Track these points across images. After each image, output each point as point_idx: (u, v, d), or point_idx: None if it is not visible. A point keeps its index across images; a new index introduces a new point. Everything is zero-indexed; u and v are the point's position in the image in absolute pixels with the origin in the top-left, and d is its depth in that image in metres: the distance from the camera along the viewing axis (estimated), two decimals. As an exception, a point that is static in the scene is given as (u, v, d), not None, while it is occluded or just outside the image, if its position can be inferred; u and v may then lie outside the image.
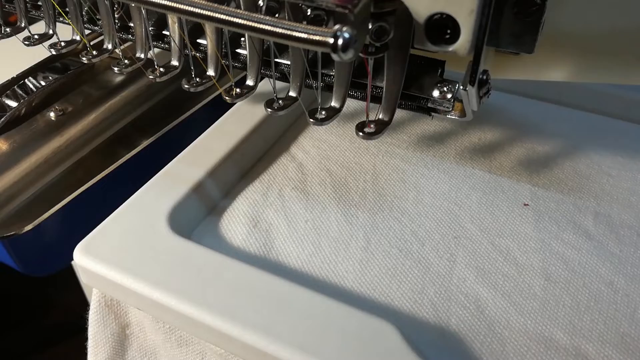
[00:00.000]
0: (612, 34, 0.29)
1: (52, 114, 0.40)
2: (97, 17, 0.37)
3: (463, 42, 0.26)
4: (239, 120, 0.37)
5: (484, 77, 0.29)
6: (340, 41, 0.22)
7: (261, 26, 0.24)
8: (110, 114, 0.44)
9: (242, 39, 0.34)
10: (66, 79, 0.43)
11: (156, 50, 0.37)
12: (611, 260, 0.30)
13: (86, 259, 0.29)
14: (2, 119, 0.39)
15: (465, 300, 0.29)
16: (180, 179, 0.33)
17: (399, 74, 0.30)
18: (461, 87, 0.28)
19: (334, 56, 0.23)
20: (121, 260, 0.29)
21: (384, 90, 0.30)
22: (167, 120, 0.45)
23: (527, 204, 0.34)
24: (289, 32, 0.23)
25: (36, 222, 0.36)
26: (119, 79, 0.46)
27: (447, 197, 0.34)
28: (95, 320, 0.32)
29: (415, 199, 0.34)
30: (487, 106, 0.40)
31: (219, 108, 0.39)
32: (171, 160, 0.35)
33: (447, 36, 0.26)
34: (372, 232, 0.32)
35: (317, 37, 0.23)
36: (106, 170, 0.41)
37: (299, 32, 0.23)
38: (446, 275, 0.30)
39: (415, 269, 0.30)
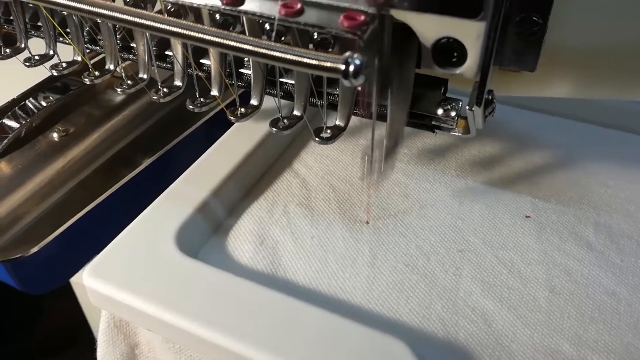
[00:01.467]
0: (612, 51, 0.29)
1: (55, 135, 0.40)
2: (99, 37, 0.37)
3: (470, 65, 0.26)
4: (241, 138, 0.38)
5: (490, 97, 0.29)
6: (351, 67, 0.23)
7: (272, 53, 0.24)
8: (111, 133, 0.44)
9: (246, 59, 0.35)
10: (67, 99, 0.44)
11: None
12: (613, 271, 0.31)
13: (95, 281, 0.29)
14: (4, 142, 0.39)
15: (472, 314, 0.29)
16: (185, 199, 0.33)
17: (403, 98, 0.30)
18: (467, 107, 0.29)
19: (345, 82, 0.23)
20: (130, 282, 0.29)
21: (389, 112, 0.30)
22: (168, 138, 0.45)
23: (529, 216, 0.34)
24: (299, 59, 0.23)
25: (41, 244, 0.36)
26: (119, 98, 0.46)
27: (450, 211, 0.35)
28: (105, 341, 0.32)
29: (419, 214, 0.35)
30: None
31: (220, 125, 0.39)
32: (173, 178, 0.35)
33: (454, 59, 0.26)
34: (377, 248, 0.32)
35: (328, 64, 0.23)
36: (109, 190, 0.41)
37: (310, 58, 0.23)
38: (453, 289, 0.30)
39: (422, 283, 0.30)
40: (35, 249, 0.36)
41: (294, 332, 0.26)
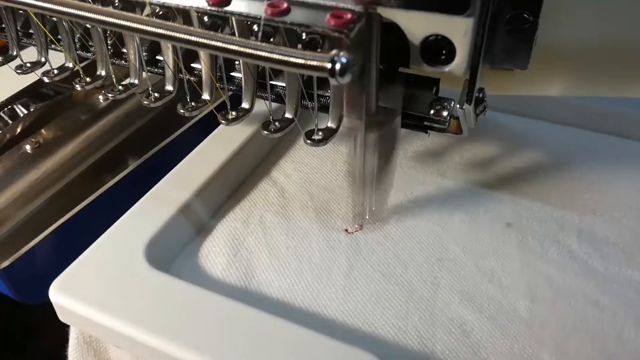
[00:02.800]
0: (605, 48, 0.29)
1: (27, 147, 0.40)
2: (90, 43, 0.37)
3: (459, 63, 0.26)
4: (217, 147, 0.37)
5: (480, 95, 0.29)
6: (337, 66, 0.22)
7: (258, 53, 0.24)
8: (90, 142, 0.43)
9: (237, 62, 0.34)
10: (44, 109, 0.43)
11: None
12: (596, 279, 0.30)
13: (62, 296, 0.29)
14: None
15: (450, 325, 0.28)
16: (157, 210, 0.32)
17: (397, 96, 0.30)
18: (457, 106, 0.28)
19: (332, 81, 0.23)
20: (98, 298, 0.28)
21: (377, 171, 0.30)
22: (149, 146, 0.45)
23: (511, 223, 0.33)
24: (285, 58, 0.23)
25: (23, 250, 0.36)
26: (100, 105, 0.46)
27: (430, 218, 0.34)
28: (75, 358, 0.31)
29: (398, 221, 0.34)
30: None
31: (205, 130, 0.39)
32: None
33: (443, 57, 0.26)
34: (354, 257, 0.32)
35: (314, 63, 0.23)
36: (90, 197, 0.41)
37: (296, 57, 0.23)
38: (430, 299, 0.29)
39: (399, 294, 0.30)
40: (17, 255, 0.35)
41: (266, 349, 0.26)
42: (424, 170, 0.37)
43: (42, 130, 0.42)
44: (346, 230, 0.33)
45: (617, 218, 0.33)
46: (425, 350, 0.27)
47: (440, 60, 0.26)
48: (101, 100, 0.42)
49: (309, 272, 0.31)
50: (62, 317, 0.30)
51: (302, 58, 0.23)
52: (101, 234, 0.31)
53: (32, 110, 0.43)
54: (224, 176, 0.36)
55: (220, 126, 0.39)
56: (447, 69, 0.26)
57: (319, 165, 0.38)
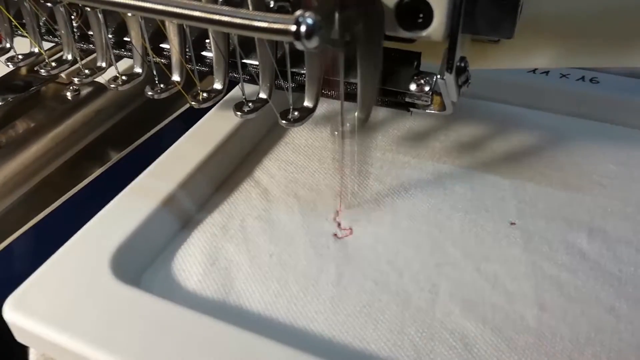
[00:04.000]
0: (594, 17, 0.28)
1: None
2: (56, 27, 0.35)
3: (437, 26, 0.24)
4: (194, 145, 0.34)
5: (462, 65, 0.27)
6: (303, 28, 0.20)
7: (218, 17, 0.22)
8: (61, 139, 0.41)
9: (207, 40, 0.32)
10: (12, 103, 0.41)
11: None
12: (610, 283, 0.27)
13: (17, 314, 0.26)
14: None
15: (450, 338, 0.25)
16: (125, 217, 0.29)
17: (373, 69, 0.27)
18: (437, 76, 0.27)
19: (298, 44, 0.21)
20: (58, 316, 0.25)
21: (359, 87, 0.28)
22: (127, 142, 0.42)
23: (514, 223, 0.31)
24: (248, 22, 0.22)
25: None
26: (74, 98, 0.43)
27: (427, 219, 0.31)
28: (37, 381, 0.28)
29: (392, 223, 0.31)
30: (463, 115, 0.38)
31: (186, 124, 0.36)
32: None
33: (420, 20, 0.24)
34: (344, 264, 0.29)
35: (278, 25, 0.21)
36: (60, 199, 0.38)
37: (259, 21, 0.21)
38: (428, 309, 0.26)
39: (393, 304, 0.27)
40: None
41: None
42: (419, 167, 0.35)
43: (9, 128, 0.39)
44: (335, 234, 0.30)
45: (631, 215, 0.31)
46: (423, 368, 0.24)
47: (417, 25, 0.25)
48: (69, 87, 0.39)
49: (294, 282, 0.28)
50: (20, 338, 0.27)
51: (264, 21, 0.21)
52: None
53: (7, 100, 0.41)
54: (201, 177, 0.33)
55: (197, 123, 0.36)
56: (424, 33, 0.25)
57: (305, 163, 0.35)
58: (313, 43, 0.21)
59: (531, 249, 0.29)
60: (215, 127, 0.35)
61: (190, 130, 0.36)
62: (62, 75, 0.38)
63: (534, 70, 0.40)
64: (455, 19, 0.24)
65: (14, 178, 0.39)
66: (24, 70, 0.45)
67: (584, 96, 0.38)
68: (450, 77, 0.26)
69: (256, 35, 0.25)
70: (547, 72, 0.40)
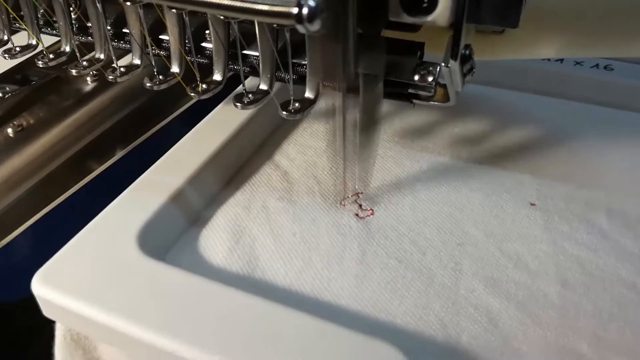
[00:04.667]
0: (599, 6, 0.27)
1: (9, 130, 0.37)
2: (54, 19, 0.34)
3: (442, 10, 0.23)
4: (215, 128, 0.34)
5: (467, 52, 0.26)
6: (305, 10, 0.20)
7: (219, 1, 0.22)
8: (77, 127, 0.41)
9: (207, 31, 0.32)
10: (27, 91, 0.41)
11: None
12: (631, 261, 0.28)
13: (46, 289, 0.26)
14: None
15: (475, 313, 0.26)
16: (152, 194, 0.30)
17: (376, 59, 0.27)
18: (442, 64, 0.26)
19: (300, 28, 0.21)
20: (86, 290, 0.26)
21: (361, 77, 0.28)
22: (141, 131, 0.43)
23: (534, 204, 0.31)
24: (248, 5, 0.21)
25: (3, 242, 0.33)
26: (88, 88, 0.43)
27: (447, 200, 0.31)
28: (62, 357, 0.28)
29: (412, 205, 0.31)
30: (478, 102, 0.38)
31: (199, 114, 0.36)
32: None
33: (425, 5, 0.24)
34: (367, 243, 0.29)
35: (279, 8, 0.21)
36: (76, 186, 0.39)
37: (260, 3, 0.21)
38: (452, 286, 0.27)
39: (417, 281, 0.27)
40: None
41: (275, 341, 0.23)
42: (436, 151, 0.35)
43: (26, 114, 0.39)
44: (357, 215, 0.31)
45: (648, 196, 0.31)
46: (450, 340, 0.24)
47: (421, 10, 0.24)
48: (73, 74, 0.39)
49: (318, 260, 0.28)
50: (47, 313, 0.27)
51: (265, 4, 0.21)
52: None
53: (15, 92, 0.40)
54: (221, 160, 0.33)
55: (216, 109, 0.36)
56: (429, 18, 0.24)
57: (323, 147, 0.36)
58: (315, 26, 0.21)
59: (552, 228, 0.29)
60: (232, 114, 0.35)
61: (209, 115, 0.36)
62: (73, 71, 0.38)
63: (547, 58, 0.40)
64: (461, 3, 0.24)
65: (25, 168, 0.39)
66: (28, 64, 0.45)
67: (599, 83, 0.39)
68: (455, 65, 0.26)
69: (257, 18, 0.24)
70: (561, 60, 0.40)
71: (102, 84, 0.44)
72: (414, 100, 0.30)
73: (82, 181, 0.40)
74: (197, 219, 0.31)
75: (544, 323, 0.25)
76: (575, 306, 0.26)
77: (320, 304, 0.26)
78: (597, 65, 0.40)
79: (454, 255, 0.28)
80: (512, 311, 0.26)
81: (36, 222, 0.37)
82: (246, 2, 0.22)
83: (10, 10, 0.35)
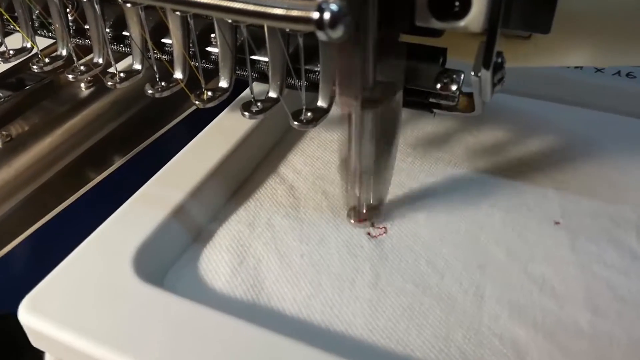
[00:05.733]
0: (631, 12, 0.26)
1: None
2: (50, 21, 0.33)
3: (476, 14, 0.21)
4: (218, 138, 0.32)
5: (499, 61, 0.24)
6: (327, 15, 0.18)
7: (228, 4, 0.20)
8: (71, 135, 0.39)
9: (212, 35, 0.30)
10: (18, 97, 0.39)
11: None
12: (666, 285, 0.26)
13: (34, 317, 0.24)
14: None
15: (500, 344, 0.23)
16: (149, 210, 0.28)
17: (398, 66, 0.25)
18: (472, 73, 0.24)
19: (321, 35, 0.19)
20: (77, 319, 0.24)
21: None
22: (140, 139, 0.41)
23: (558, 222, 0.29)
24: (263, 9, 0.19)
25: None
26: (83, 95, 0.41)
27: (465, 217, 0.29)
28: (51, 389, 0.26)
29: (428, 222, 0.29)
30: (495, 111, 0.36)
31: (201, 122, 0.34)
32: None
33: (456, 9, 0.22)
34: (381, 265, 0.27)
35: (297, 13, 0.19)
36: (70, 198, 0.37)
37: (276, 7, 0.19)
38: (474, 314, 0.25)
39: (436, 308, 0.25)
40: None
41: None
42: (452, 163, 0.33)
43: (19, 120, 0.38)
44: (369, 233, 0.29)
45: (680, 213, 0.29)
46: (474, 376, 0.22)
47: (452, 14, 0.22)
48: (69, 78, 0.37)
49: (328, 284, 0.26)
50: (35, 342, 0.25)
51: (282, 8, 0.19)
52: (82, 241, 0.27)
53: (7, 98, 0.38)
54: (224, 173, 0.31)
55: (219, 117, 0.34)
56: (462, 23, 0.22)
57: (332, 159, 0.34)
58: (338, 32, 0.19)
59: (578, 249, 0.27)
60: (235, 122, 0.33)
61: (212, 124, 0.34)
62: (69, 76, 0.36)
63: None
64: (496, 7, 0.22)
65: (16, 180, 0.37)
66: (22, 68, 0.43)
67: (621, 91, 0.37)
68: (486, 75, 0.24)
69: (272, 23, 0.23)
70: (581, 67, 0.38)
71: (100, 89, 0.42)
72: (435, 110, 0.28)
73: (77, 193, 0.38)
74: (197, 237, 0.29)
75: (574, 354, 0.23)
76: (607, 335, 0.24)
77: (331, 334, 0.24)
78: (618, 73, 0.38)
79: (474, 278, 0.26)
80: (540, 342, 0.24)
81: (29, 236, 0.35)
82: (260, 5, 0.20)
83: (3, 11, 0.33)
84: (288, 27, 0.23)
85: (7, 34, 0.36)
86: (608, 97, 0.36)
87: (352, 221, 0.28)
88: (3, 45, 0.35)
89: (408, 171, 0.32)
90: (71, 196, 0.36)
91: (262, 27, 0.27)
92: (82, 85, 0.41)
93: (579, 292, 0.25)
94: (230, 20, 0.27)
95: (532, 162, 0.33)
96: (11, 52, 0.35)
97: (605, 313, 0.25)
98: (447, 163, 0.33)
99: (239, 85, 0.33)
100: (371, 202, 0.28)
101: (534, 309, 0.25)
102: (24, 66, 0.39)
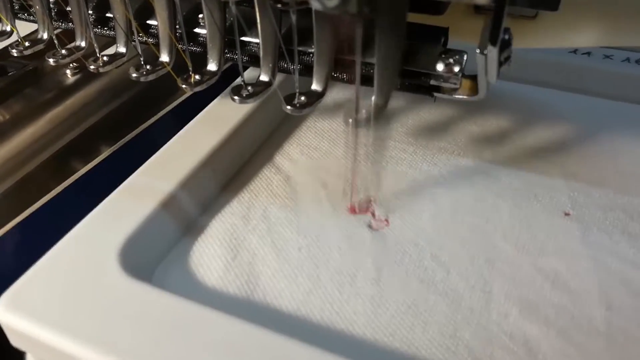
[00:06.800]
0: None
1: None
2: (30, 2, 0.31)
3: None
4: (210, 126, 0.31)
5: (507, 37, 0.23)
6: None
7: None
8: (55, 125, 0.37)
9: (200, 15, 0.29)
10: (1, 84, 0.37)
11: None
12: (684, 279, 0.24)
13: (13, 315, 0.22)
14: None
15: (510, 342, 0.22)
16: (138, 201, 0.26)
17: (394, 45, 0.24)
18: (477, 51, 0.23)
19: (315, 3, 0.18)
20: (59, 317, 0.22)
21: (376, 67, 0.25)
22: (128, 128, 0.39)
23: (569, 213, 0.27)
24: None
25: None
26: (68, 82, 0.39)
27: (472, 210, 0.28)
28: (33, 391, 0.25)
29: (432, 214, 0.28)
30: (499, 98, 0.35)
31: (193, 110, 0.33)
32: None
33: None
34: (383, 259, 0.25)
35: None
36: (55, 190, 0.35)
37: None
38: (482, 310, 0.23)
39: (442, 304, 0.23)
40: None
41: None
42: (456, 153, 0.31)
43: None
44: (370, 225, 0.27)
45: (696, 204, 0.28)
46: (484, 377, 0.21)
47: None
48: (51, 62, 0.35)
49: (327, 279, 0.25)
50: (15, 342, 0.23)
51: None
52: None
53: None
54: (217, 162, 0.30)
55: (211, 104, 0.33)
56: None
57: (330, 148, 0.32)
58: (333, 1, 0.18)
59: (591, 242, 0.26)
60: (229, 110, 0.32)
61: (203, 112, 0.32)
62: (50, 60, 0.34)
63: (574, 51, 0.37)
64: None
65: (7, 164, 0.35)
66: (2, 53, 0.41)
67: (630, 79, 0.35)
68: (493, 52, 0.23)
69: None
70: (589, 53, 0.37)
71: (86, 76, 0.40)
72: (435, 94, 0.26)
73: (62, 184, 0.36)
74: (189, 230, 0.27)
75: (590, 353, 0.22)
76: (624, 333, 0.22)
77: (331, 332, 0.23)
78: (628, 59, 0.36)
79: (482, 274, 0.25)
80: (553, 339, 0.22)
81: (11, 228, 0.34)
82: None
83: None
84: None
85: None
86: (617, 85, 0.35)
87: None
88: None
89: (410, 161, 0.31)
90: (55, 188, 0.34)
91: (253, 6, 0.25)
92: (68, 71, 0.39)
93: (592, 286, 0.24)
94: None
95: (539, 151, 0.31)
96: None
97: (620, 309, 0.23)
98: (451, 153, 0.31)
99: (233, 72, 0.31)
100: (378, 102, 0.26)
101: (546, 305, 0.23)
102: (5, 53, 0.38)
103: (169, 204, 0.26)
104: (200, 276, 0.25)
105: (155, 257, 0.25)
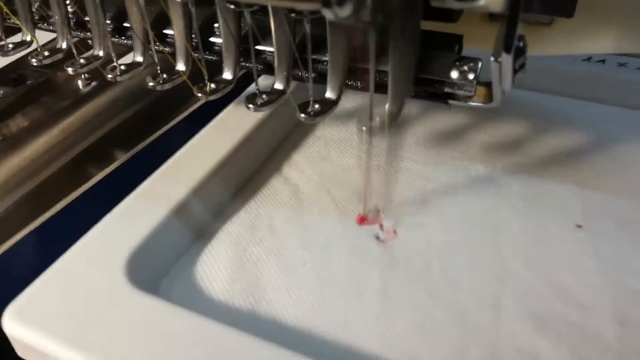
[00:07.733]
0: None
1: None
2: (49, 13, 0.32)
3: None
4: (222, 135, 0.31)
5: (521, 45, 0.23)
6: None
7: None
8: (69, 134, 0.38)
9: (216, 24, 0.29)
10: (14, 94, 0.37)
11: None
12: (700, 296, 0.24)
13: (19, 326, 0.22)
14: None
15: (520, 359, 0.22)
16: (143, 215, 0.26)
17: (408, 53, 0.24)
18: (492, 58, 0.22)
19: (327, 13, 0.18)
20: (66, 328, 0.22)
21: (390, 75, 0.24)
22: (142, 136, 0.39)
23: (580, 226, 0.27)
24: None
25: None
26: (82, 91, 0.40)
27: (480, 223, 0.27)
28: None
29: (440, 226, 0.27)
30: (512, 108, 0.34)
31: (204, 119, 0.33)
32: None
33: None
34: (390, 274, 0.25)
35: None
36: (70, 196, 0.35)
37: None
38: (492, 328, 0.23)
39: (451, 322, 0.23)
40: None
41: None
42: (465, 164, 0.31)
43: (16, 118, 0.36)
44: (377, 237, 0.27)
45: None
46: (492, 397, 0.21)
47: None
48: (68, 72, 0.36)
49: (333, 294, 0.24)
50: (21, 353, 0.23)
51: None
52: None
53: (6, 93, 0.37)
54: (225, 172, 0.30)
55: (222, 113, 0.33)
56: (481, 2, 0.20)
57: (339, 158, 0.32)
58: (346, 10, 0.18)
59: (603, 255, 0.25)
60: (240, 118, 0.32)
61: (214, 120, 0.32)
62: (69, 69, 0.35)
63: (588, 58, 0.36)
64: None
65: (13, 178, 0.36)
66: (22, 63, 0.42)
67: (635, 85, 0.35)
68: (507, 59, 0.22)
69: (277, 3, 0.22)
70: (603, 61, 0.36)
71: (101, 84, 0.41)
72: (450, 101, 0.26)
73: (77, 191, 0.36)
74: (195, 240, 0.27)
75: (601, 373, 0.21)
76: (635, 349, 0.22)
77: (336, 349, 0.22)
78: (643, 66, 0.35)
79: (492, 289, 0.24)
80: (565, 356, 0.22)
81: (27, 234, 0.34)
82: None
83: (2, 4, 0.32)
84: (293, 6, 0.22)
85: (7, 29, 0.35)
86: (632, 93, 0.34)
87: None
88: (1, 39, 0.34)
89: (419, 171, 0.30)
90: (71, 194, 0.35)
91: (267, 15, 0.25)
92: (80, 82, 0.39)
93: (605, 303, 0.24)
94: (233, 7, 0.25)
95: (551, 161, 0.31)
96: (10, 45, 0.34)
97: (633, 324, 0.23)
98: (461, 162, 0.31)
99: (244, 80, 0.31)
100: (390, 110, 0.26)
101: (557, 322, 0.23)
102: (24, 62, 0.38)
103: (175, 215, 0.26)
104: (206, 288, 0.25)
105: (162, 267, 0.25)
